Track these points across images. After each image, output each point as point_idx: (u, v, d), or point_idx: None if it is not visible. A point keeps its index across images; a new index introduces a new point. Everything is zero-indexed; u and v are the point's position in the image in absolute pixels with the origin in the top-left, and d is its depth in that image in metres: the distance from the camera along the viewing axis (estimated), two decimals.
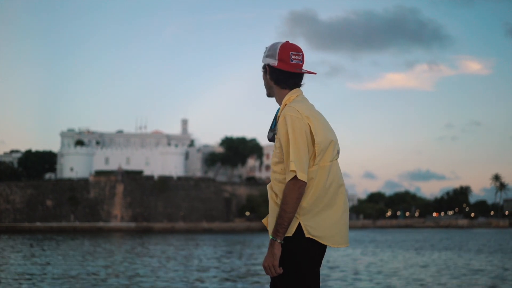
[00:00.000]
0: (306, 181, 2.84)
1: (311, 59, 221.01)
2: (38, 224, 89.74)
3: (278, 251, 2.86)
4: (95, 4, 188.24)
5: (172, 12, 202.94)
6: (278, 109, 3.09)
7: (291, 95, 3.06)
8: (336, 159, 3.05)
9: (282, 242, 2.88)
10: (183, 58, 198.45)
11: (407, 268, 22.36)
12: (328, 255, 28.29)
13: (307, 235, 2.90)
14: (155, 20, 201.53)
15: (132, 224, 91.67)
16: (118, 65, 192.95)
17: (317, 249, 2.95)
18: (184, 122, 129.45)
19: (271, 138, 3.08)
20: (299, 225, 2.90)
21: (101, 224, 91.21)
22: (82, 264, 23.73)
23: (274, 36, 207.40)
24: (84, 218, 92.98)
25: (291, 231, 2.91)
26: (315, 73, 3.12)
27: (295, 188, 2.83)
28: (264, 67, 3.13)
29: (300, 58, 3.07)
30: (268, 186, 3.06)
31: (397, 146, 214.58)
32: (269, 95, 3.17)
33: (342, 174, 3.09)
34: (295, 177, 2.82)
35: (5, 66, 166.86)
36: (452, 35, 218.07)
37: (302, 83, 3.12)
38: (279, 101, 3.11)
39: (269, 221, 3.01)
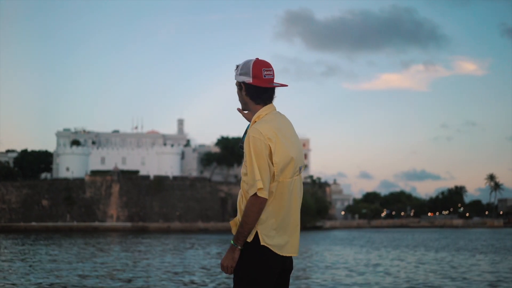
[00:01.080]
0: (266, 197, 3.10)
1: (307, 59, 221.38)
2: (33, 224, 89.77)
3: (237, 255, 3.15)
4: (91, 5, 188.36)
5: (168, 13, 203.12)
6: (249, 125, 3.29)
7: (261, 112, 3.25)
8: (298, 175, 3.25)
9: (241, 248, 3.16)
10: (179, 58, 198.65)
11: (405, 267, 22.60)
12: (325, 255, 28.50)
13: (262, 243, 3.15)
14: (151, 20, 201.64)
15: (128, 224, 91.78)
16: (115, 65, 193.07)
17: (272, 257, 3.19)
18: (180, 122, 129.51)
19: (240, 151, 3.30)
20: (257, 233, 3.16)
21: (96, 224, 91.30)
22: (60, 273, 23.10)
23: (270, 35, 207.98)
24: (80, 218, 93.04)
25: (250, 238, 3.17)
26: (287, 85, 3.32)
27: (256, 203, 3.08)
28: (240, 85, 3.30)
29: (271, 73, 3.26)
30: (239, 193, 3.28)
31: (392, 146, 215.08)
32: (244, 109, 3.37)
33: (302, 188, 3.34)
34: (256, 193, 3.07)
35: (1, 66, 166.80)
36: (448, 35, 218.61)
37: (275, 96, 3.32)
38: (253, 116, 3.29)
39: (234, 229, 3.27)
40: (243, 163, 3.22)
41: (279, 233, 3.18)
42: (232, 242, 3.16)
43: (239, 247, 3.15)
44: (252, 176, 3.08)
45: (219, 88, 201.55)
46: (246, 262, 3.16)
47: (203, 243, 43.67)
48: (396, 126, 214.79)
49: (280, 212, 3.18)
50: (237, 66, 3.32)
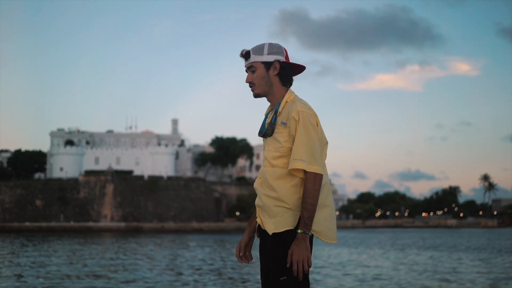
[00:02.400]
0: (322, 174, 2.96)
1: (302, 58, 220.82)
2: (27, 224, 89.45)
3: (308, 243, 2.92)
4: (86, 4, 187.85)
5: (162, 12, 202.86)
6: (279, 105, 3.12)
7: (291, 93, 3.15)
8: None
9: (308, 233, 2.92)
10: (174, 58, 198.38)
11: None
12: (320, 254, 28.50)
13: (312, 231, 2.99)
14: (145, 19, 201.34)
15: (122, 224, 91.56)
16: (108, 65, 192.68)
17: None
18: (175, 122, 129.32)
19: (269, 133, 3.10)
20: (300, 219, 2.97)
21: (91, 224, 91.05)
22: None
23: (265, 35, 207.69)
24: (74, 218, 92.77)
25: (293, 224, 2.98)
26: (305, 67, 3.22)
27: (317, 181, 2.92)
28: (268, 64, 3.13)
29: None
30: (259, 184, 3.12)
31: (387, 146, 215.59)
32: (261, 94, 3.18)
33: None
34: (314, 171, 2.93)
35: None
36: (443, 35, 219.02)
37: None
38: (277, 99, 3.16)
39: (273, 220, 3.03)
40: (271, 145, 3.09)
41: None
42: (299, 231, 2.91)
43: (309, 233, 2.92)
44: (311, 152, 2.95)
45: (214, 88, 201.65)
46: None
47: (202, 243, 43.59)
48: (390, 126, 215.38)
49: (321, 196, 3.03)
50: (249, 50, 3.17)
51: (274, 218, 3.03)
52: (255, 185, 3.18)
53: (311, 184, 2.93)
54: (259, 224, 3.15)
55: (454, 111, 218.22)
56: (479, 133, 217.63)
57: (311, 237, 3.02)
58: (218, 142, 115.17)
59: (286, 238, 2.99)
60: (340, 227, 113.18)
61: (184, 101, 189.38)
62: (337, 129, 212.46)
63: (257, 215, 3.18)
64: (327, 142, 3.13)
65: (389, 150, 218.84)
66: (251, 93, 3.21)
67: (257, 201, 3.15)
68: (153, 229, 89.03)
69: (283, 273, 2.96)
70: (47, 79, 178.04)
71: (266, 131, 3.12)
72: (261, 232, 3.12)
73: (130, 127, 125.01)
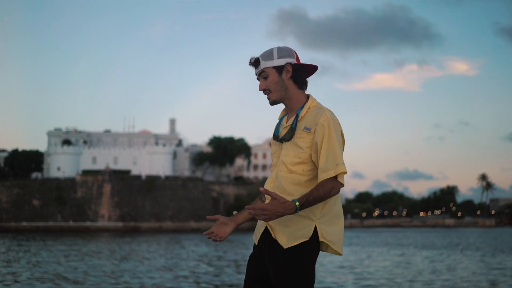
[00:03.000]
0: (344, 183, 2.86)
1: (301, 57, 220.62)
2: (24, 223, 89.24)
3: (289, 212, 2.72)
4: (83, 4, 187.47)
5: (160, 12, 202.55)
6: (300, 109, 3.00)
7: (314, 99, 3.04)
8: None
9: (297, 212, 2.76)
10: (172, 58, 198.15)
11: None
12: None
13: (321, 239, 2.89)
14: (143, 19, 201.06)
15: (120, 224, 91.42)
16: (106, 64, 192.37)
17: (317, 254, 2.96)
18: (172, 122, 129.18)
19: (288, 138, 2.97)
20: (315, 228, 2.88)
21: (88, 223, 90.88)
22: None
23: (263, 34, 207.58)
24: (71, 218, 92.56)
25: (308, 235, 2.87)
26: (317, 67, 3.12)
27: (336, 187, 2.82)
28: (280, 68, 3.01)
29: None
30: (272, 189, 2.98)
31: (385, 146, 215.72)
32: (278, 101, 3.05)
33: None
34: (336, 177, 2.83)
35: None
36: (442, 34, 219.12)
37: None
38: (296, 103, 3.04)
39: (287, 230, 2.90)
40: (291, 151, 2.95)
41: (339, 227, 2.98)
42: (297, 203, 2.74)
43: (297, 211, 2.75)
44: (334, 159, 2.84)
45: (212, 87, 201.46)
46: (306, 263, 2.87)
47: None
48: (389, 126, 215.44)
49: (335, 207, 2.97)
50: (258, 58, 3.03)
51: (288, 228, 2.90)
52: (267, 188, 3.02)
53: (329, 190, 2.80)
54: (264, 231, 3.00)
55: (452, 111, 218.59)
56: (477, 133, 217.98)
57: (318, 250, 2.92)
58: (216, 142, 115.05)
59: (300, 251, 2.87)
60: None
61: (182, 100, 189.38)
62: None
63: (262, 222, 3.01)
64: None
65: (387, 149, 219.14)
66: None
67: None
68: (151, 229, 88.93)
69: None
70: (44, 79, 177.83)
71: (285, 136, 2.99)
72: (267, 240, 2.97)
73: (128, 127, 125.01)
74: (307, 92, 3.10)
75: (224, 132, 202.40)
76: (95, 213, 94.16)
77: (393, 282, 16.71)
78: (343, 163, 2.84)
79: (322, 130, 2.88)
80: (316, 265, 3.02)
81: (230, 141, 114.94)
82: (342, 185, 2.84)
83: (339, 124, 2.96)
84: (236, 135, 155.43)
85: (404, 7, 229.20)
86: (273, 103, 3.04)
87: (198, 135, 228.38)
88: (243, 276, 17.67)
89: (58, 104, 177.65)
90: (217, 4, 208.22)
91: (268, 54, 3.01)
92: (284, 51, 3.01)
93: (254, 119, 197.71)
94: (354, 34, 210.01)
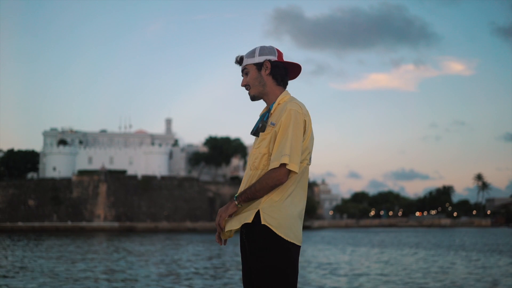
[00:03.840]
0: (296, 171, 2.94)
1: (297, 57, 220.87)
2: (20, 224, 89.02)
3: (231, 209, 3.01)
4: (79, 3, 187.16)
5: (156, 11, 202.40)
6: (272, 105, 3.13)
7: (286, 94, 3.14)
8: (309, 165, 3.13)
9: (239, 206, 3.01)
10: (167, 57, 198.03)
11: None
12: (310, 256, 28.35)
13: (263, 222, 2.98)
14: (138, 19, 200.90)
15: (115, 224, 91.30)
16: (102, 64, 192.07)
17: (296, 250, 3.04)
18: (168, 122, 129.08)
19: (261, 130, 3.10)
20: (258, 212, 3.00)
21: (84, 223, 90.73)
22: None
23: (259, 34, 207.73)
24: (67, 218, 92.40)
25: (249, 218, 3.00)
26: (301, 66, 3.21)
27: (283, 178, 2.93)
28: (260, 65, 3.15)
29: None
30: (255, 167, 3.10)
31: (381, 146, 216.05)
32: (257, 96, 3.18)
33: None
34: (285, 166, 2.92)
35: None
36: (438, 33, 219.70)
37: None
38: (272, 99, 3.16)
39: (235, 217, 3.09)
40: (261, 142, 3.09)
41: (300, 221, 3.07)
42: (235, 197, 3.02)
43: (238, 205, 3.02)
44: (282, 150, 2.93)
45: (208, 87, 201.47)
46: (266, 244, 2.99)
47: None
48: (384, 126, 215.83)
49: (303, 198, 3.11)
50: (243, 56, 3.23)
51: (238, 215, 3.08)
52: (255, 166, 3.16)
53: (277, 176, 2.92)
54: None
55: (448, 110, 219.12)
56: (473, 133, 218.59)
57: (297, 248, 3.02)
58: (211, 142, 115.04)
59: (259, 234, 2.99)
60: (333, 227, 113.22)
61: (178, 100, 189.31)
62: (331, 129, 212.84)
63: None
64: (313, 144, 3.12)
65: (383, 149, 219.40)
66: (245, 93, 3.20)
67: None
68: (147, 229, 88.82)
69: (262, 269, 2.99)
70: (40, 79, 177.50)
71: (258, 129, 3.13)
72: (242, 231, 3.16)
73: (124, 127, 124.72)
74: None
75: (220, 132, 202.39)
76: (91, 213, 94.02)
77: (388, 283, 16.70)
78: (289, 155, 2.91)
79: (280, 124, 2.99)
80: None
81: (226, 141, 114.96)
82: (289, 172, 2.94)
83: (301, 113, 3.00)
84: (232, 135, 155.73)
85: (401, 7, 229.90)
86: (252, 98, 3.20)
87: (194, 135, 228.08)
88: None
89: (54, 104, 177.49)
90: (213, 4, 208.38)
91: (251, 53, 3.18)
92: (266, 50, 3.16)
93: (249, 119, 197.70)
94: (350, 34, 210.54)
